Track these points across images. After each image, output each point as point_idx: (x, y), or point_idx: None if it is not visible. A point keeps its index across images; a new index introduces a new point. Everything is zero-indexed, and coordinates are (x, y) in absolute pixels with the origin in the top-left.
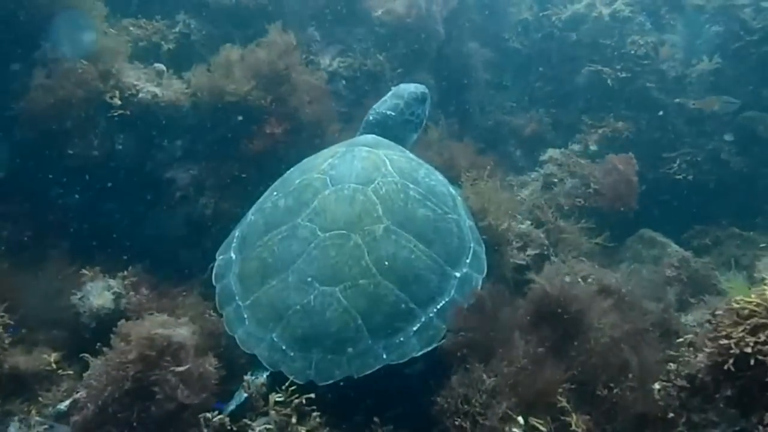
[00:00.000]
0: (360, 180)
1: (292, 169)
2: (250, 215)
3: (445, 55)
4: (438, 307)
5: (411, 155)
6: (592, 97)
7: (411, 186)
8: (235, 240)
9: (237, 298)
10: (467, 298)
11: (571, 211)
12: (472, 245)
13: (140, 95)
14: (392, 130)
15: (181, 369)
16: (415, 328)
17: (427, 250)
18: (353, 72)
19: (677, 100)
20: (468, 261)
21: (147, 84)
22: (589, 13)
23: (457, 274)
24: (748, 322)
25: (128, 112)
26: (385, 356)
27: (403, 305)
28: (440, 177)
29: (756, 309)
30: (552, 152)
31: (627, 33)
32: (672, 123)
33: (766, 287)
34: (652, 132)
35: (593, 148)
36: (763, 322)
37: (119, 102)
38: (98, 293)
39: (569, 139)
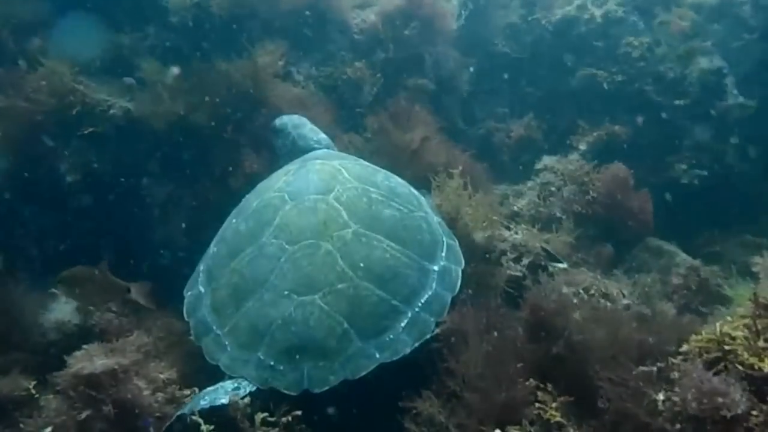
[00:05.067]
0: (319, 191)
1: (247, 196)
2: (212, 247)
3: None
4: (422, 301)
5: (365, 162)
6: (587, 101)
7: (372, 189)
8: (200, 274)
9: (214, 327)
10: (451, 289)
11: (572, 219)
12: (444, 239)
13: (111, 111)
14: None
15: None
16: (403, 324)
17: (400, 247)
18: (333, 81)
19: (677, 102)
20: (444, 254)
21: (119, 99)
22: (580, 15)
23: (436, 268)
24: (703, 359)
25: (100, 130)
26: (378, 355)
27: (386, 303)
28: (399, 180)
29: (708, 345)
30: (547, 160)
31: (621, 34)
32: (673, 126)
33: (720, 323)
34: (653, 136)
35: (591, 154)
36: (715, 356)
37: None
38: (60, 308)
39: (565, 145)
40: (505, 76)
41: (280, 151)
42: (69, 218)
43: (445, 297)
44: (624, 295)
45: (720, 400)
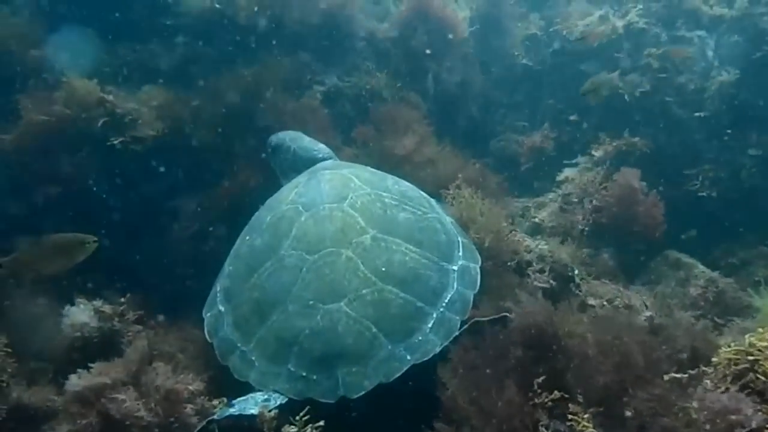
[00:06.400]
0: (332, 199)
1: (257, 213)
2: (227, 266)
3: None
4: (446, 301)
5: (372, 169)
6: (608, 112)
7: (384, 194)
8: (218, 294)
9: (239, 344)
10: (472, 287)
11: (592, 231)
12: (459, 239)
13: (140, 120)
14: None
15: None
16: (430, 325)
17: (419, 249)
18: (358, 91)
19: (697, 114)
20: (460, 254)
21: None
22: (602, 26)
23: (455, 267)
24: (730, 371)
25: (128, 139)
26: (409, 357)
27: (411, 306)
28: (407, 183)
29: (737, 357)
30: (569, 172)
31: (642, 45)
32: (693, 138)
33: (749, 335)
34: (673, 148)
35: (612, 165)
36: (744, 368)
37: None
38: (76, 311)
39: (586, 157)
40: (526, 88)
41: (281, 167)
42: (89, 229)
43: (468, 295)
44: (647, 307)
45: (733, 417)
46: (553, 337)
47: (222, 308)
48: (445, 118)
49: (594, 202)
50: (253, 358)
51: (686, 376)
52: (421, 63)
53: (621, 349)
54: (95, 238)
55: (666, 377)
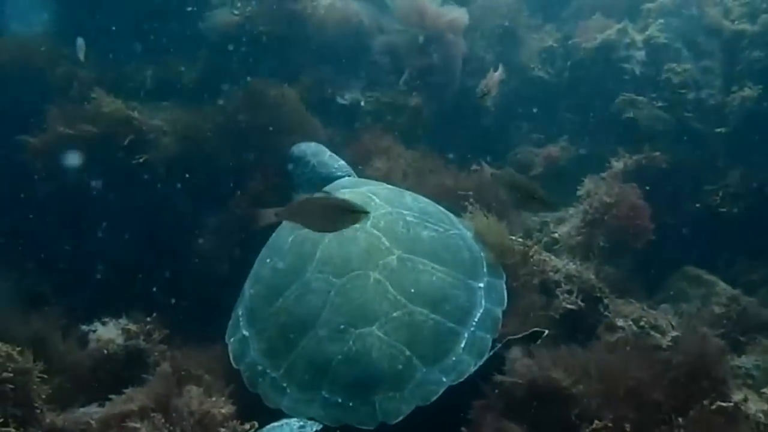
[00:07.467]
0: None
1: (274, 233)
2: (248, 290)
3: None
4: (476, 320)
5: (388, 185)
6: (626, 127)
7: (405, 212)
8: (240, 318)
9: (268, 371)
10: (500, 303)
11: (610, 248)
12: (482, 254)
13: (165, 138)
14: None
15: None
16: (462, 346)
17: (445, 268)
18: (379, 105)
19: (718, 129)
20: (485, 270)
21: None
22: (621, 40)
23: (481, 285)
24: None
25: (152, 156)
26: (444, 379)
27: (442, 327)
28: (425, 198)
29: None
30: (589, 186)
31: (662, 60)
32: (713, 153)
33: None
34: (693, 163)
35: (629, 180)
36: None
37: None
38: (102, 329)
39: (604, 171)
40: (543, 100)
41: (299, 180)
42: (122, 249)
43: (497, 312)
44: (672, 327)
45: None
46: (557, 384)
47: (246, 333)
48: (452, 128)
49: (588, 217)
50: (285, 384)
51: (731, 404)
52: (424, 72)
53: (630, 378)
54: (367, 211)
55: (713, 405)
